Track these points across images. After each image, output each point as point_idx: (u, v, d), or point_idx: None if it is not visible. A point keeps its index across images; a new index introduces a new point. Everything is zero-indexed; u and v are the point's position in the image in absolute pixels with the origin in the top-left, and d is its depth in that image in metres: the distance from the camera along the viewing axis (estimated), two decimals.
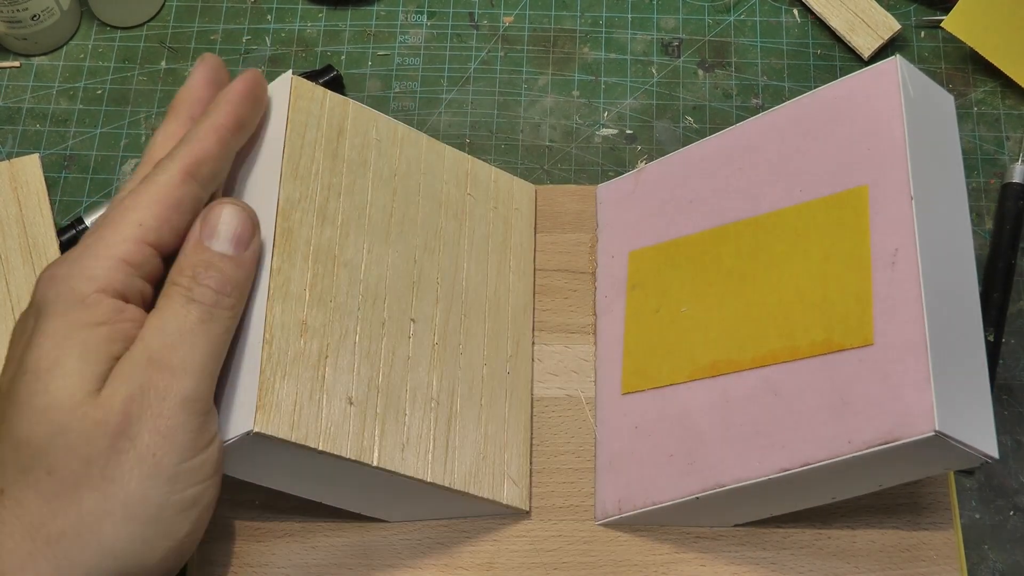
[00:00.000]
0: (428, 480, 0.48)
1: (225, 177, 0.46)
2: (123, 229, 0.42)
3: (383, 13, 0.70)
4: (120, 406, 0.40)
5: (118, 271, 0.42)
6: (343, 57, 0.68)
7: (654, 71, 0.68)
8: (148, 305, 0.43)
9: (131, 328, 0.42)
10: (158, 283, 0.44)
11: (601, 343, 0.54)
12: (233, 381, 0.45)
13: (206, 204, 0.45)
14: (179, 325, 0.41)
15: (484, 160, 0.57)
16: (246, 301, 0.44)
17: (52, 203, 0.64)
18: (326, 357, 0.46)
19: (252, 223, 0.44)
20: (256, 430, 0.43)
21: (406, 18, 0.70)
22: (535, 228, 0.58)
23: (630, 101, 0.67)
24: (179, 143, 0.45)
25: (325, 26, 0.69)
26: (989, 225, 0.63)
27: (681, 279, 0.52)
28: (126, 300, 0.42)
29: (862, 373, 0.44)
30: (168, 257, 0.43)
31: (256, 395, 0.44)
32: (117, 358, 0.41)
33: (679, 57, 0.68)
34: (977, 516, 0.56)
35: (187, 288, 0.42)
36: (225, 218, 0.43)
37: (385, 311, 0.49)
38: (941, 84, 0.65)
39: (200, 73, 0.48)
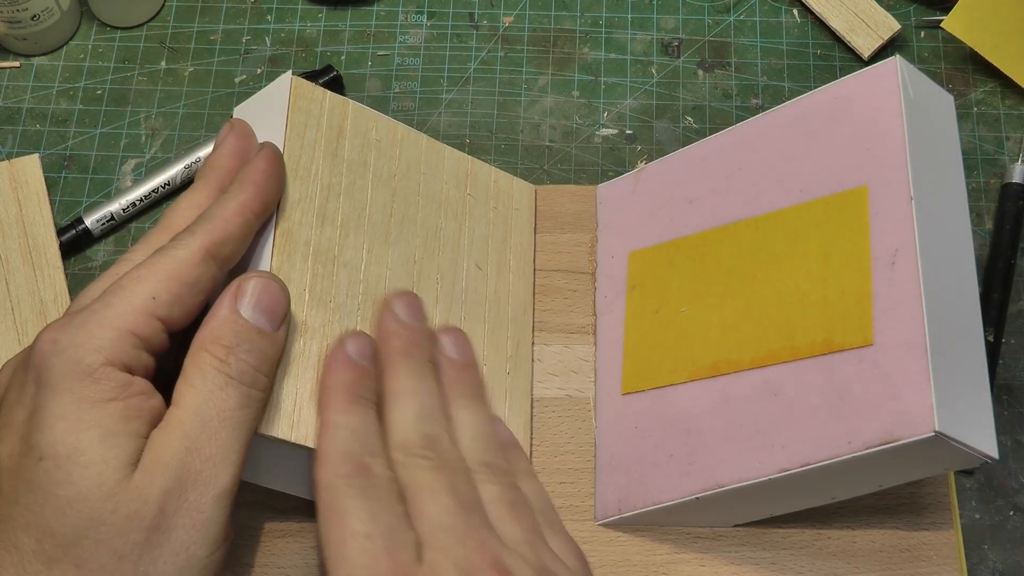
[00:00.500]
0: None
1: (239, 258, 0.44)
2: (134, 300, 0.40)
3: (383, 13, 0.70)
4: (157, 499, 0.38)
5: (126, 342, 0.39)
6: (343, 57, 0.68)
7: (654, 71, 0.68)
8: (151, 378, 0.41)
9: (142, 403, 0.39)
10: (161, 357, 0.42)
11: (601, 343, 0.54)
12: None
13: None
14: (219, 411, 0.39)
15: (484, 160, 0.57)
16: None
17: (52, 203, 0.64)
18: (326, 357, 0.46)
19: (287, 299, 0.43)
20: (256, 430, 0.43)
21: (406, 18, 0.70)
22: (535, 228, 0.58)
23: (630, 101, 0.67)
24: (201, 218, 0.43)
25: (325, 26, 0.69)
26: (989, 225, 0.63)
27: (681, 279, 0.52)
28: (132, 373, 0.40)
29: (862, 373, 0.44)
30: (173, 335, 0.42)
31: None
32: (139, 436, 0.39)
33: (679, 57, 0.68)
34: (977, 516, 0.56)
35: (223, 361, 0.40)
36: (262, 290, 0.42)
37: None
38: (941, 84, 0.65)
39: (231, 142, 0.46)
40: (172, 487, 0.38)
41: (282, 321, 0.42)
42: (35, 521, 0.37)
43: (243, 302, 0.41)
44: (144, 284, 0.40)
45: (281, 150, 0.48)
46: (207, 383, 0.40)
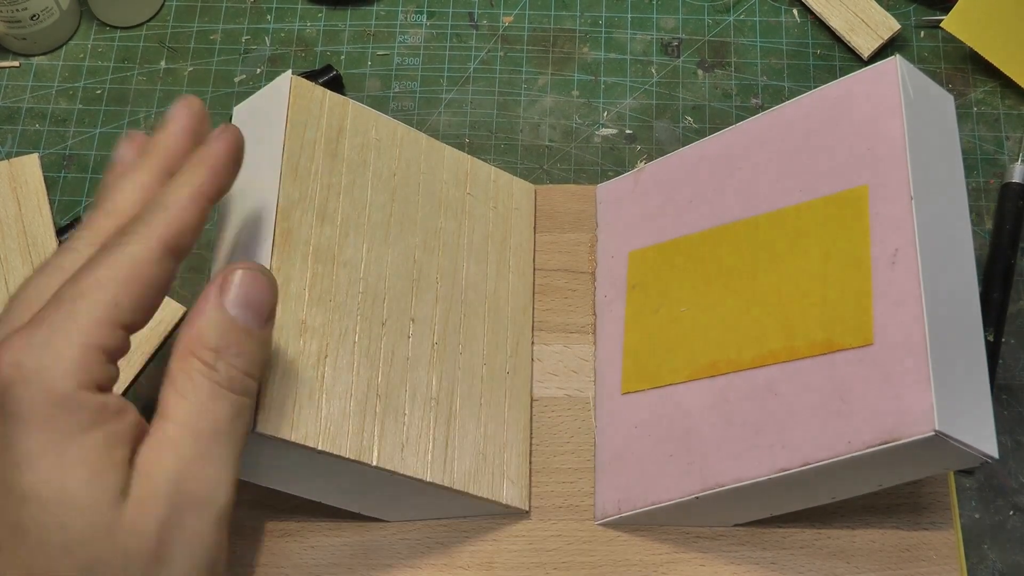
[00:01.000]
0: (427, 480, 0.48)
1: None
2: (97, 310, 0.36)
3: (383, 13, 0.70)
4: (154, 530, 0.35)
5: (94, 359, 0.36)
6: (343, 57, 0.68)
7: (654, 71, 0.68)
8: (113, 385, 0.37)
9: (121, 425, 0.36)
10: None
11: (601, 343, 0.54)
12: None
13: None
14: (212, 425, 0.36)
15: (484, 160, 0.57)
16: None
17: (51, 203, 0.64)
18: (326, 357, 0.46)
19: (274, 292, 0.39)
20: (256, 430, 0.43)
21: (406, 18, 0.70)
22: (535, 228, 0.58)
23: (630, 101, 0.67)
24: (155, 206, 0.39)
25: (325, 26, 0.69)
26: (989, 225, 0.63)
27: (681, 279, 0.52)
28: (103, 390, 0.36)
29: (862, 373, 0.44)
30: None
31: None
32: (125, 463, 0.36)
33: (679, 57, 0.68)
34: (977, 516, 0.56)
35: (211, 367, 0.37)
36: (248, 284, 0.38)
37: (385, 311, 0.49)
38: (941, 84, 0.65)
39: (180, 120, 0.42)
40: (168, 516, 0.36)
41: (270, 316, 0.39)
42: (26, 565, 0.35)
43: (228, 297, 0.38)
44: (104, 291, 0.36)
45: (281, 150, 0.48)
46: (198, 393, 0.37)
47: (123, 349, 0.37)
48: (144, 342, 0.60)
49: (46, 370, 0.35)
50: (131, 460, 0.36)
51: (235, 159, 0.41)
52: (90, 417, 0.35)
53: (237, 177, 0.41)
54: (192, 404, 0.37)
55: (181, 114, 0.42)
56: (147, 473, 0.36)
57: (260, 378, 0.39)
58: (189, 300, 0.61)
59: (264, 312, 0.39)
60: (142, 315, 0.37)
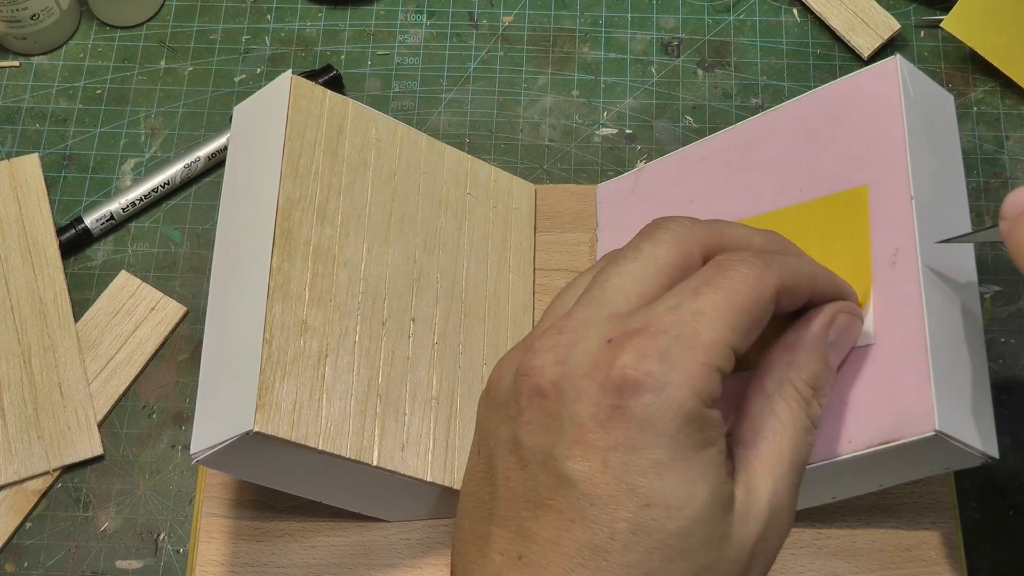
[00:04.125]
0: (428, 480, 0.48)
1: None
2: (716, 330, 0.37)
3: (383, 13, 0.70)
4: (751, 545, 0.37)
5: (714, 380, 0.37)
6: (343, 57, 0.68)
7: (654, 71, 0.68)
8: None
9: (724, 441, 0.38)
10: None
11: None
12: (233, 381, 0.45)
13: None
14: (802, 459, 0.38)
15: (484, 160, 0.57)
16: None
17: (52, 202, 0.64)
18: (326, 357, 0.46)
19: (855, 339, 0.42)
20: (256, 430, 0.43)
21: (406, 18, 0.70)
22: (535, 227, 0.58)
23: (630, 101, 0.67)
24: (780, 251, 0.41)
25: (325, 26, 0.69)
26: (989, 225, 0.63)
27: None
28: (714, 406, 0.37)
29: (862, 373, 0.44)
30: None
31: (256, 395, 0.44)
32: (730, 478, 0.37)
33: (679, 57, 0.68)
34: (977, 516, 0.56)
35: (808, 403, 0.39)
36: (846, 328, 0.41)
37: (385, 310, 0.49)
38: (941, 84, 0.65)
39: None
40: (762, 534, 0.37)
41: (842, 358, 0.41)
42: (637, 562, 0.36)
43: (830, 338, 0.40)
44: (725, 314, 0.37)
45: (281, 149, 0.48)
46: (796, 425, 0.38)
47: (729, 371, 0.38)
48: (144, 342, 0.60)
49: (678, 386, 0.36)
50: (732, 474, 0.38)
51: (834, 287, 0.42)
52: (711, 435, 0.37)
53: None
54: (790, 434, 0.38)
55: None
56: (752, 492, 0.38)
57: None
58: (189, 300, 0.61)
59: (843, 357, 0.41)
60: (748, 343, 0.38)
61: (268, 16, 0.70)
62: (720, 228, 0.41)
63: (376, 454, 0.46)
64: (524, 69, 0.68)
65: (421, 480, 0.47)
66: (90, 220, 0.62)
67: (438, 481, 0.48)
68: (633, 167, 0.64)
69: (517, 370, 0.38)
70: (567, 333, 0.37)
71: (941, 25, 0.66)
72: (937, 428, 0.41)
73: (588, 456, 0.36)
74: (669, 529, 0.35)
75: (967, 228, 0.47)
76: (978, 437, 0.42)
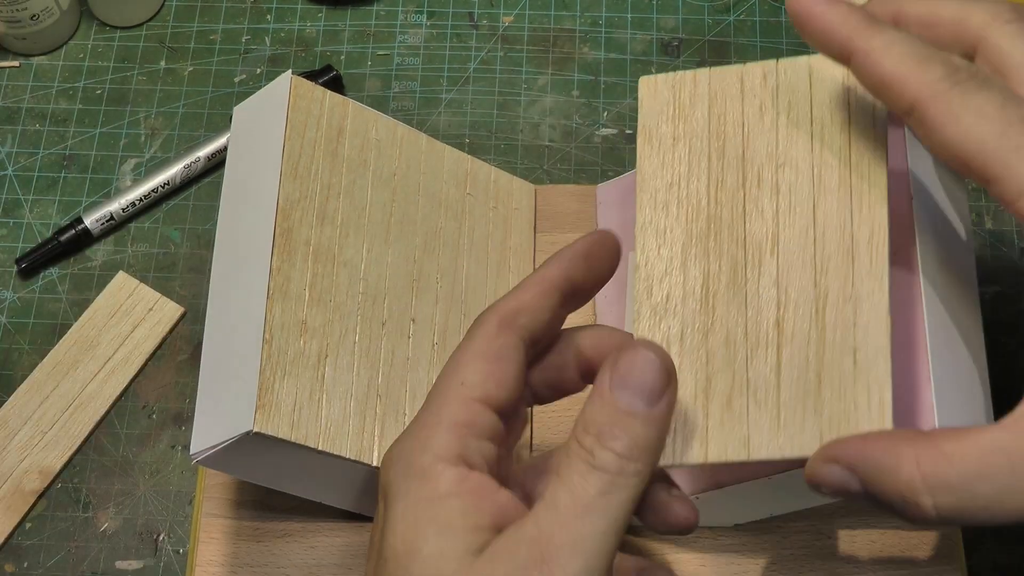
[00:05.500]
0: None
1: (555, 329, 0.42)
2: (448, 392, 0.39)
3: (383, 13, 0.70)
4: None
5: (452, 435, 0.38)
6: (343, 57, 0.68)
7: (654, 71, 0.68)
8: (494, 467, 0.40)
9: (482, 497, 0.38)
10: (501, 440, 0.41)
11: None
12: (233, 381, 0.45)
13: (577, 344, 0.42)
14: (573, 499, 0.37)
15: (484, 160, 0.57)
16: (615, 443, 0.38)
17: (51, 203, 0.64)
18: (326, 357, 0.46)
19: (667, 371, 0.39)
20: (256, 430, 0.43)
21: (406, 18, 0.70)
22: (535, 228, 0.58)
23: (630, 101, 0.67)
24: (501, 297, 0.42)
25: (325, 26, 0.69)
26: (989, 225, 0.63)
27: None
28: (470, 466, 0.38)
29: None
30: (504, 412, 0.40)
31: (256, 395, 0.44)
32: (480, 528, 0.38)
33: (679, 57, 0.68)
34: None
35: (589, 452, 0.37)
36: (638, 366, 0.38)
37: (385, 311, 0.49)
38: None
39: (581, 246, 0.43)
40: (512, 572, 0.36)
41: (661, 395, 0.38)
42: None
43: (617, 380, 0.38)
44: (454, 374, 0.40)
45: (281, 150, 0.48)
46: (571, 473, 0.38)
47: (486, 422, 0.39)
48: (143, 342, 0.60)
49: (409, 452, 0.39)
50: (492, 530, 0.38)
51: (584, 253, 0.42)
52: (445, 485, 0.38)
53: (596, 273, 0.43)
54: (563, 482, 0.37)
55: (588, 243, 0.43)
56: (503, 537, 0.37)
57: (646, 458, 0.38)
58: (189, 300, 0.61)
59: (657, 393, 0.38)
60: (495, 388, 0.40)
61: (268, 16, 0.70)
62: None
63: (376, 454, 0.46)
64: (524, 69, 0.68)
65: None
66: (90, 220, 0.62)
67: None
68: (633, 167, 0.64)
69: None
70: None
71: None
72: (937, 428, 0.41)
73: (370, 556, 0.39)
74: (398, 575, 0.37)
75: (967, 228, 0.47)
76: None
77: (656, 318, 0.43)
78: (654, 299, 0.44)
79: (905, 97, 0.38)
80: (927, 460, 0.36)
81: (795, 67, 0.44)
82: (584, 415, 0.38)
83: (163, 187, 0.64)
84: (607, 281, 0.43)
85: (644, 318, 0.43)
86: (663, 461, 0.41)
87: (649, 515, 0.40)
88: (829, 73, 0.44)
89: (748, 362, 0.42)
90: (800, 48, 0.68)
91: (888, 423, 0.39)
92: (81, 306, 0.61)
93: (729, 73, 0.46)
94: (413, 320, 0.50)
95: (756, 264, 0.43)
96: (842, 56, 0.39)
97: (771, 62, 0.45)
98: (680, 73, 0.47)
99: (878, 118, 0.43)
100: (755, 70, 0.45)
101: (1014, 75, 0.39)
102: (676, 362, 0.42)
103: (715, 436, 0.41)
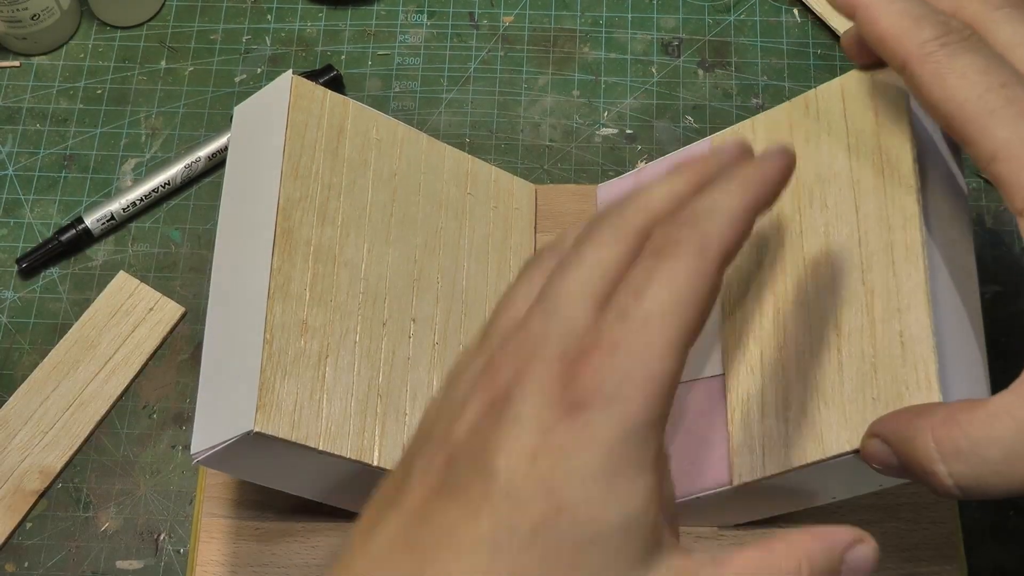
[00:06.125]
0: None
1: None
2: (668, 334, 0.34)
3: (383, 13, 0.70)
4: None
5: (667, 390, 0.34)
6: (343, 57, 0.68)
7: (654, 71, 0.68)
8: None
9: (661, 477, 0.35)
10: None
11: None
12: (233, 381, 0.45)
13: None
14: None
15: (484, 160, 0.57)
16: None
17: (52, 202, 0.64)
18: (326, 357, 0.46)
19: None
20: (256, 430, 0.43)
21: (406, 18, 0.70)
22: (535, 228, 0.58)
23: (630, 101, 0.67)
24: (702, 217, 0.36)
25: (325, 26, 0.69)
26: (989, 225, 0.63)
27: None
28: None
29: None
30: None
31: (256, 395, 0.44)
32: (658, 515, 0.35)
33: (679, 57, 0.68)
34: (977, 516, 0.56)
35: None
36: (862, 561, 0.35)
37: (385, 311, 0.49)
38: None
39: (732, 150, 0.39)
40: None
41: None
42: (526, 566, 0.33)
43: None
44: (673, 315, 0.35)
45: (281, 149, 0.48)
46: None
47: (682, 368, 0.35)
48: (144, 341, 0.60)
49: (626, 399, 0.34)
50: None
51: (786, 180, 0.38)
52: (646, 456, 0.34)
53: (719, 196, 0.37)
54: None
55: (733, 150, 0.39)
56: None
57: None
58: (189, 300, 0.61)
59: None
60: (700, 329, 0.36)
61: (268, 16, 0.70)
62: (647, 203, 0.38)
63: (377, 454, 0.46)
64: (524, 69, 0.68)
65: None
66: (90, 220, 0.62)
67: None
68: (633, 167, 0.64)
69: (475, 381, 0.36)
70: (525, 345, 0.35)
71: None
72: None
73: (518, 453, 0.33)
74: (572, 539, 0.32)
75: (968, 228, 0.47)
76: None
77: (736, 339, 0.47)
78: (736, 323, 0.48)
79: (898, 55, 0.39)
80: (941, 429, 0.37)
81: (829, 90, 0.48)
82: None
83: (164, 187, 0.64)
84: None
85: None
86: (749, 476, 0.45)
87: None
88: (857, 88, 0.47)
89: (816, 368, 0.44)
90: (800, 48, 0.68)
91: (936, 395, 0.41)
92: (81, 306, 0.61)
93: (779, 112, 0.50)
94: (414, 320, 0.50)
95: (814, 277, 0.46)
96: (847, 10, 0.41)
97: (811, 92, 0.49)
98: (739, 124, 0.52)
99: (901, 114, 0.45)
100: (799, 103, 0.49)
101: (1006, 56, 0.39)
102: (758, 383, 0.47)
103: (795, 442, 0.44)
